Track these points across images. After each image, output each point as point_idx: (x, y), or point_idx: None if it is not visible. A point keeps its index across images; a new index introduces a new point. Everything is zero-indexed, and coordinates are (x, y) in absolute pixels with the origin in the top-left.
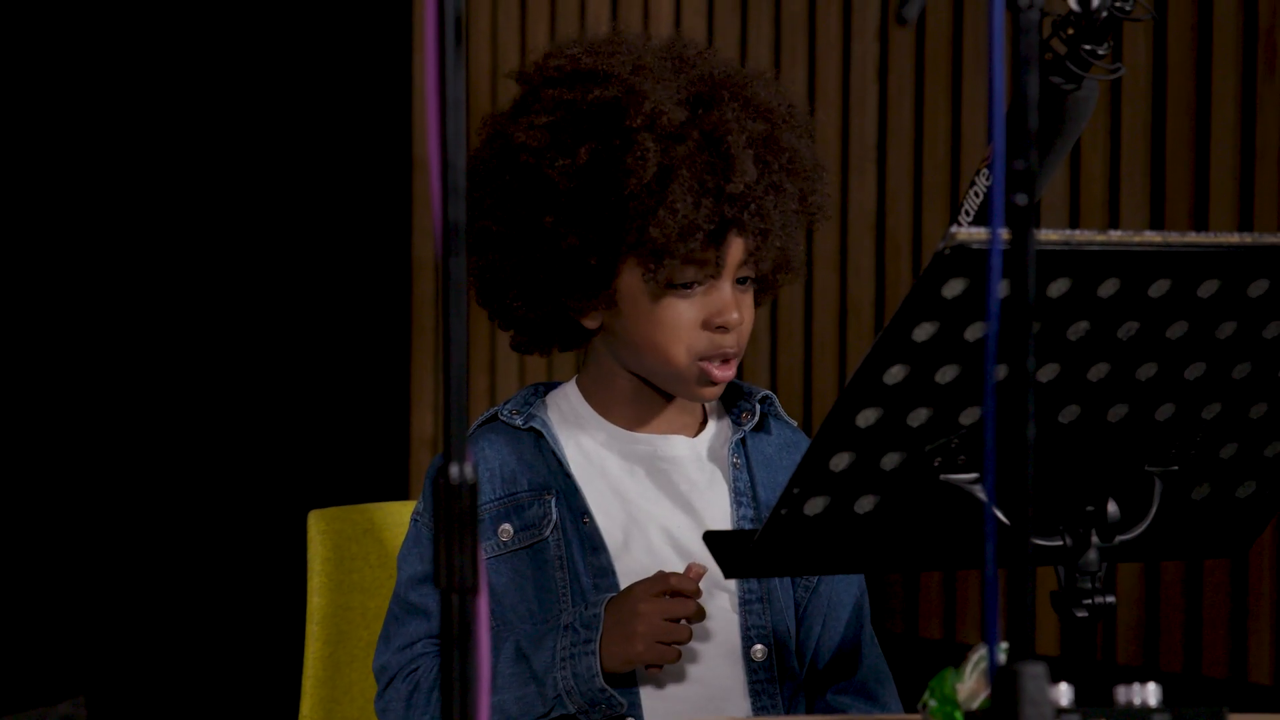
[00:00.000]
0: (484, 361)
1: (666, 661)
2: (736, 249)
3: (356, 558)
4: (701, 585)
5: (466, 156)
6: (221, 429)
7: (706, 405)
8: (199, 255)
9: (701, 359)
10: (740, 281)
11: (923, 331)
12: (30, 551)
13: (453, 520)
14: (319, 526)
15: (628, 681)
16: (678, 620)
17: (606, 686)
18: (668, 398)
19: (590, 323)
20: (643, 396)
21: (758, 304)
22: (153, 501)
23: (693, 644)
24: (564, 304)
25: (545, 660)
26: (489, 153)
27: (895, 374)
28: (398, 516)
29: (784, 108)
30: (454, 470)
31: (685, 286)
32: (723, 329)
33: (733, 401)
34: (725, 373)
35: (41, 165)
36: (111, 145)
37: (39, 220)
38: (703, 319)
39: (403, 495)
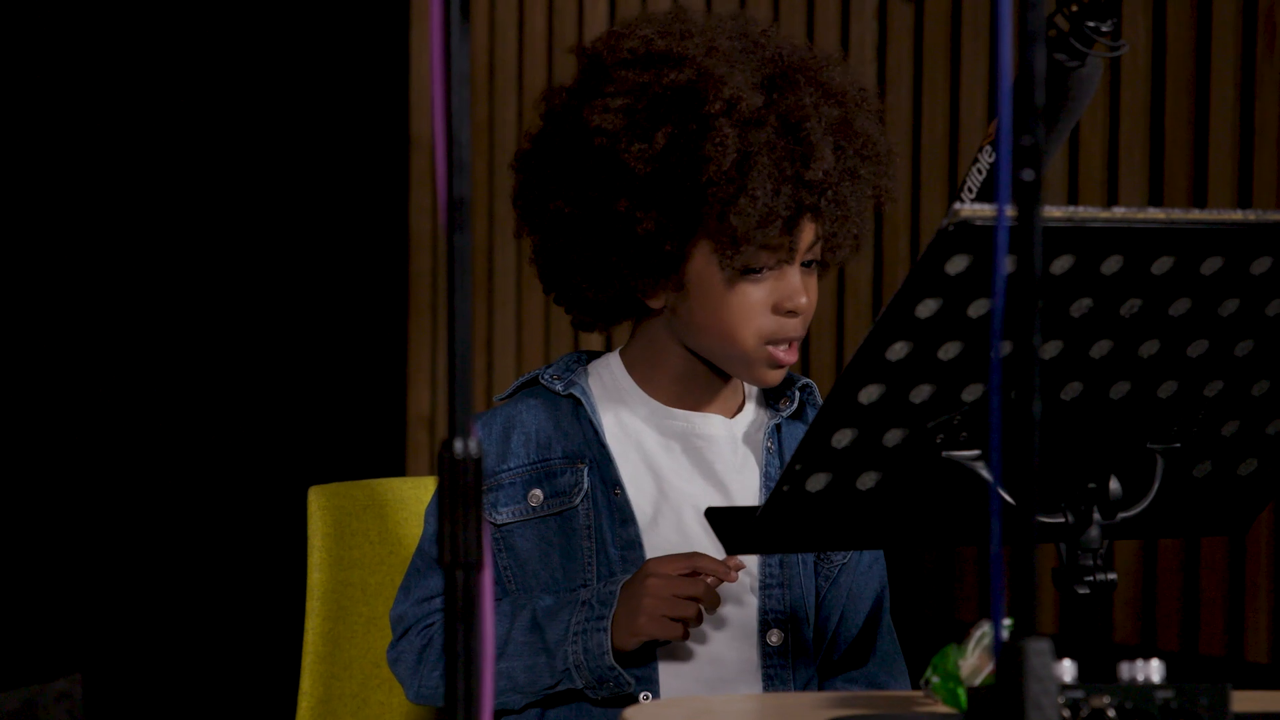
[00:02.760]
0: (481, 340)
1: (672, 638)
2: (808, 233)
3: (356, 533)
4: None
5: (469, 131)
6: (221, 406)
7: (747, 389)
8: (197, 234)
9: (768, 342)
10: (806, 265)
11: (926, 308)
12: (27, 529)
13: (457, 495)
14: (319, 502)
15: (646, 658)
16: (688, 599)
17: (616, 665)
18: (720, 377)
19: (656, 303)
20: (692, 375)
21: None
22: (152, 479)
23: (709, 624)
24: (631, 286)
25: (558, 633)
26: (559, 133)
27: (898, 350)
28: (398, 493)
29: (856, 91)
30: (458, 445)
31: (755, 271)
32: (791, 313)
33: (772, 387)
34: (790, 356)
35: (32, 143)
36: (104, 123)
37: (33, 195)
38: (772, 303)
39: (399, 472)
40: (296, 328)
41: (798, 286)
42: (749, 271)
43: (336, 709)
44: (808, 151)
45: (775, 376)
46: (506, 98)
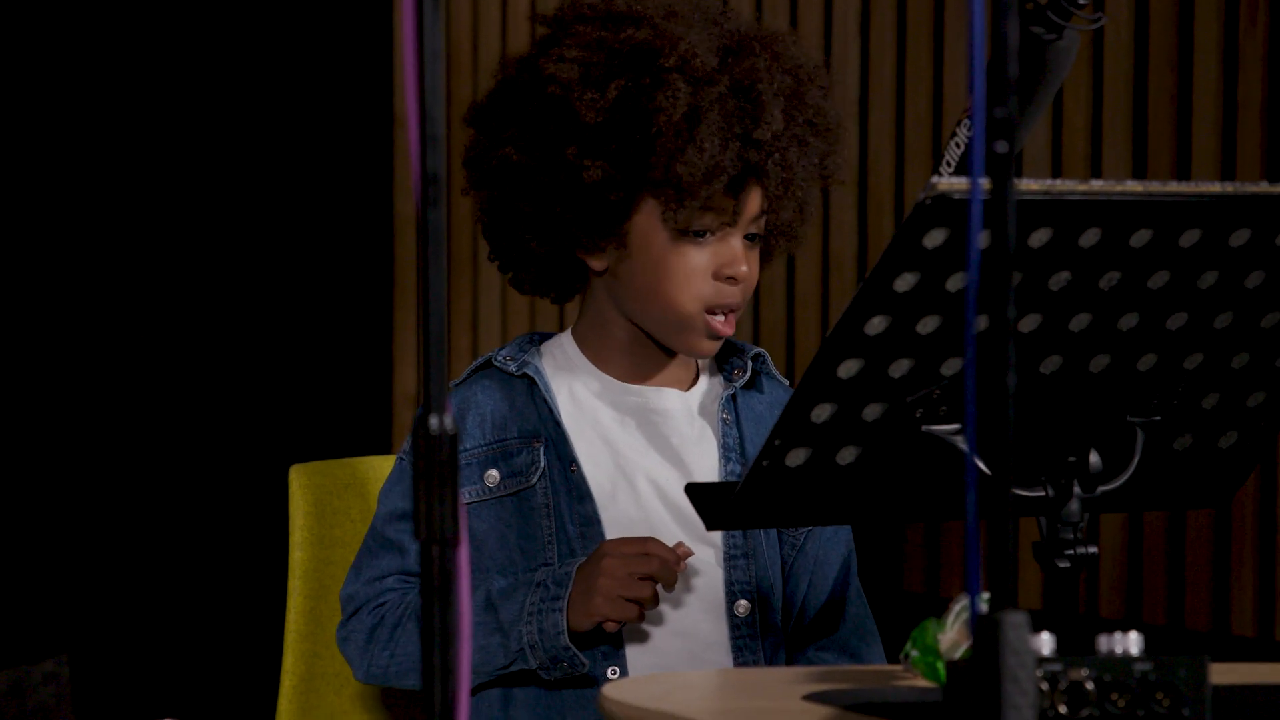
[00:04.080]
0: (466, 320)
1: (627, 619)
2: (754, 201)
3: (338, 512)
4: (685, 539)
5: (446, 107)
6: (206, 385)
7: (700, 360)
8: (180, 214)
9: (707, 310)
10: (749, 238)
11: (904, 282)
12: (11, 511)
13: (433, 471)
14: (300, 481)
15: (615, 640)
16: (644, 579)
17: (570, 645)
18: (664, 351)
19: (597, 264)
20: (638, 347)
21: (761, 267)
22: (134, 459)
23: (676, 597)
24: (574, 242)
25: (513, 613)
26: (513, 85)
27: (876, 325)
28: (379, 471)
29: (811, 66)
30: (434, 421)
31: (699, 234)
32: (731, 280)
33: (725, 358)
34: (727, 328)
35: (8, 124)
36: (85, 104)
37: (22, 183)
38: (713, 268)
39: (385, 450)
40: (281, 307)
41: (739, 254)
42: (692, 234)
43: (319, 687)
44: (758, 112)
45: (710, 347)
46: (490, 74)
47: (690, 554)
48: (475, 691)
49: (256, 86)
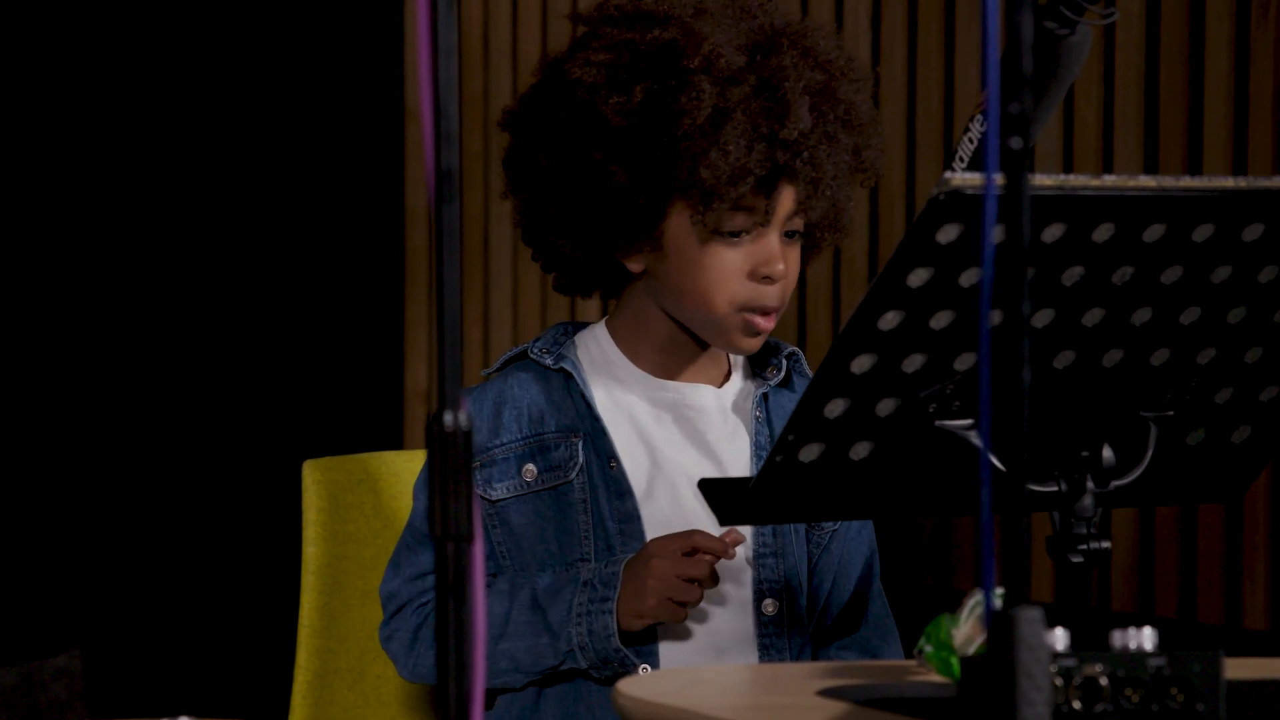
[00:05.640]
0: (477, 313)
1: (675, 620)
2: (787, 199)
3: (351, 508)
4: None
5: (460, 103)
6: (216, 381)
7: (733, 358)
8: (190, 209)
9: (743, 309)
10: (789, 235)
11: (917, 277)
12: (25, 504)
13: (448, 468)
14: (314, 476)
15: (648, 638)
16: (691, 580)
17: (622, 647)
18: (701, 346)
19: (634, 266)
20: (675, 344)
21: (804, 262)
22: (146, 454)
23: (706, 595)
24: (609, 245)
25: (561, 614)
26: (543, 89)
27: (890, 320)
28: (392, 466)
29: (843, 60)
30: (448, 418)
31: (733, 235)
32: (768, 280)
33: (760, 355)
34: (767, 324)
35: (15, 120)
36: (93, 102)
37: (21, 172)
38: (749, 268)
39: (396, 445)
40: (293, 302)
41: (775, 253)
42: (726, 235)
43: (333, 682)
44: (784, 110)
45: (752, 344)
46: (501, 70)
47: (741, 540)
48: (520, 689)
49: (267, 81)
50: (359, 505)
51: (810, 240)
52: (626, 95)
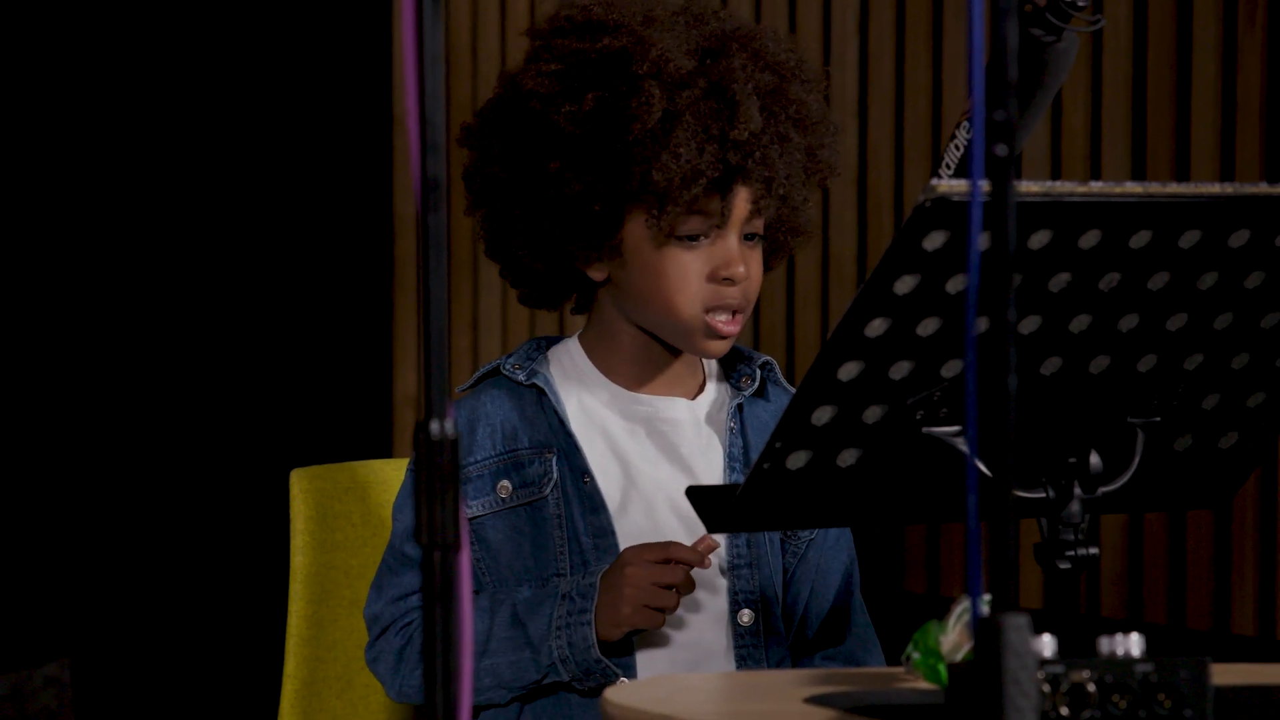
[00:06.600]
0: (466, 320)
1: (653, 626)
2: (742, 201)
3: (339, 516)
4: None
5: (446, 111)
6: (204, 389)
7: (706, 368)
8: (179, 215)
9: (706, 311)
10: (749, 238)
11: (904, 284)
12: (12, 514)
13: (434, 477)
14: (301, 485)
15: (624, 648)
16: (667, 587)
17: (602, 657)
18: (672, 353)
19: (596, 274)
20: (646, 354)
21: (769, 266)
22: (135, 463)
23: (681, 608)
24: (570, 255)
25: (541, 628)
26: (498, 102)
27: (877, 327)
28: (380, 474)
29: (794, 62)
30: (434, 426)
31: (691, 239)
32: (728, 281)
33: (733, 366)
34: (731, 327)
35: (14, 133)
36: (85, 103)
37: (21, 185)
38: (708, 271)
39: (385, 453)
40: (281, 310)
41: (734, 254)
42: (684, 239)
43: (321, 691)
44: (734, 112)
45: (718, 348)
46: (489, 78)
47: (715, 546)
48: (505, 705)
49: (256, 88)
50: (347, 514)
51: (772, 244)
52: (578, 103)
